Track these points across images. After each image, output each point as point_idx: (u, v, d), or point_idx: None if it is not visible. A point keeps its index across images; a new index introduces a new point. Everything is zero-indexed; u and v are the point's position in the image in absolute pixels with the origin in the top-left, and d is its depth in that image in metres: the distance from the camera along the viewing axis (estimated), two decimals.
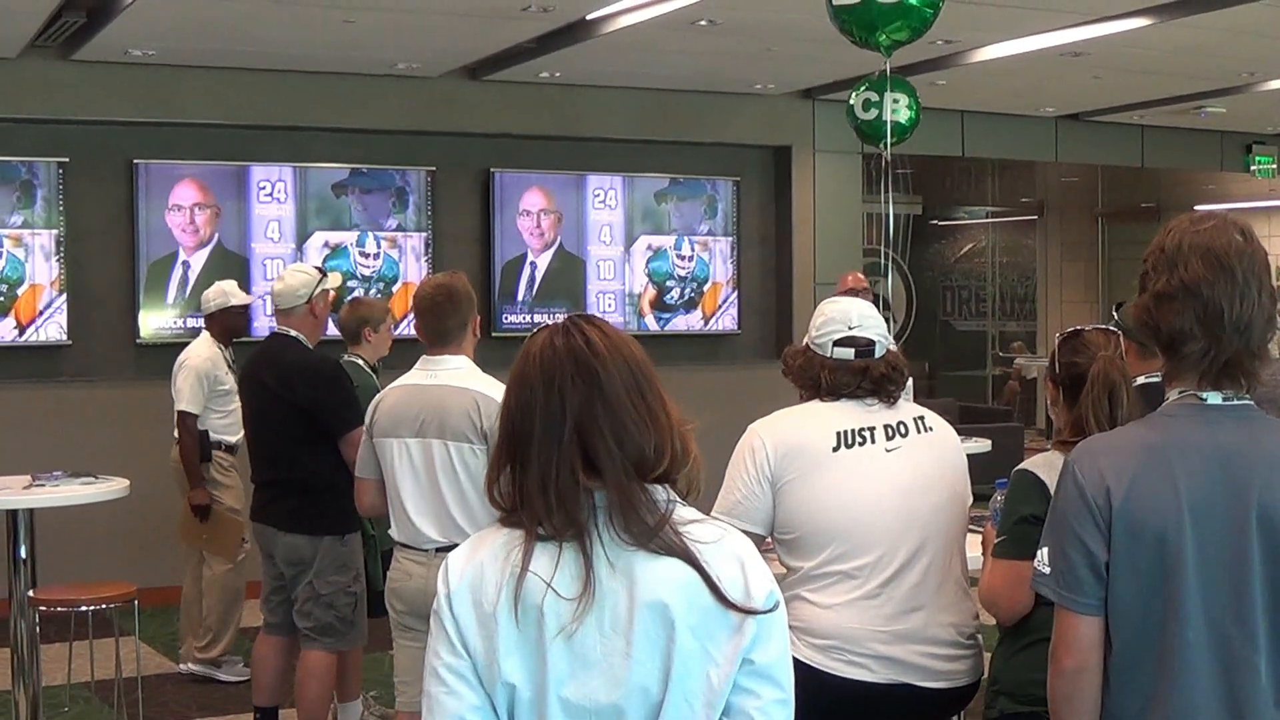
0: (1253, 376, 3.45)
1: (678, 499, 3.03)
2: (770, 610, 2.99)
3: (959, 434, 10.70)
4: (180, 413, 9.28)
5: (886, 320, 15.63)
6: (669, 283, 13.73)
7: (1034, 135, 15.76)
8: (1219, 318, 3.39)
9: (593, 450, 2.96)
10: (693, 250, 13.80)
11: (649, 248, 13.64)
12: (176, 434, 9.38)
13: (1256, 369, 3.45)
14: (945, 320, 22.63)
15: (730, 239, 13.94)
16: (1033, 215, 22.27)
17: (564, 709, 2.93)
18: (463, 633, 2.97)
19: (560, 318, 3.13)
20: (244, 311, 9.78)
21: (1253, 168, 17.24)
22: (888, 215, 8.53)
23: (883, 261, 8.71)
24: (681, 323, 13.78)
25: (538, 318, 12.52)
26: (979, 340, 22.61)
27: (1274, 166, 17.28)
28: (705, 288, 13.88)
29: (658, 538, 2.94)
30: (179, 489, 9.34)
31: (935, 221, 22.21)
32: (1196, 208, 21.09)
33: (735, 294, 13.94)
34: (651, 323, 13.60)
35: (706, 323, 13.87)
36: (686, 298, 13.80)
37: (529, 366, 3.03)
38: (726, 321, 13.93)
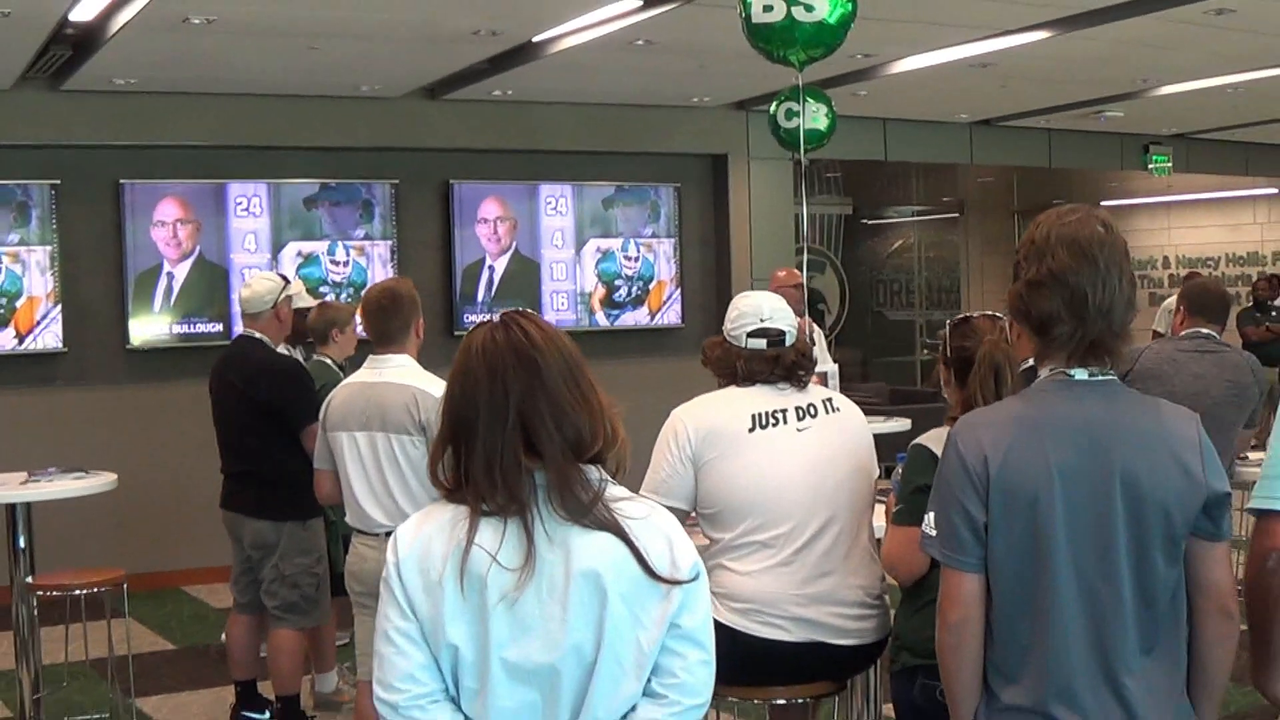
0: (1115, 355, 3.49)
1: (609, 478, 3.10)
2: (693, 580, 3.08)
3: (889, 415, 10.79)
4: None
5: (821, 313, 15.57)
6: (617, 282, 13.69)
7: (950, 140, 15.77)
8: (1084, 302, 3.43)
9: (534, 433, 3.01)
10: (638, 252, 13.77)
11: (598, 250, 13.59)
12: None
13: (1118, 348, 3.50)
14: (878, 311, 22.62)
15: (673, 240, 13.92)
16: (954, 214, 22.29)
17: (505, 669, 2.98)
18: (410, 598, 3.01)
19: (496, 315, 3.18)
20: (306, 313, 8.85)
21: (1150, 166, 17.27)
22: (802, 216, 8.51)
23: (804, 258, 8.69)
24: (630, 319, 13.75)
25: (497, 317, 12.45)
26: (908, 329, 22.62)
27: (1169, 165, 17.31)
28: (650, 286, 13.85)
29: (591, 514, 3.01)
30: None
31: (866, 221, 22.19)
32: (1103, 203, 21.31)
33: (678, 291, 13.92)
34: (602, 319, 13.57)
35: (652, 318, 13.84)
36: (634, 295, 13.77)
37: (472, 359, 3.09)
38: (671, 316, 13.89)
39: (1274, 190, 20.20)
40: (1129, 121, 15.76)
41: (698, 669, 3.10)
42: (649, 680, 3.06)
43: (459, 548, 2.98)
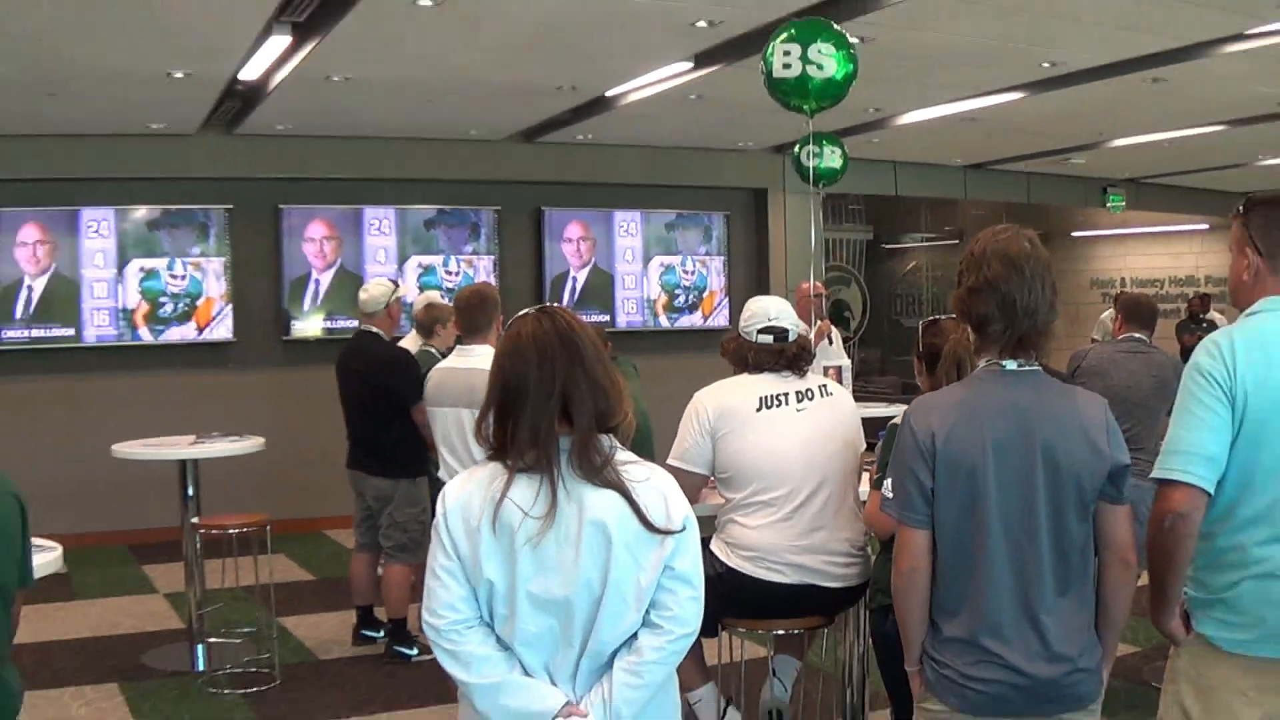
0: (1040, 349, 3.46)
1: (618, 445, 3.05)
2: (684, 530, 3.03)
3: (892, 402, 10.66)
4: None
5: (847, 319, 15.39)
6: (677, 291, 13.60)
7: (949, 179, 15.64)
8: (1013, 305, 3.40)
9: (572, 405, 2.98)
10: (694, 267, 13.67)
11: (661, 265, 13.51)
12: None
13: (1042, 343, 3.46)
14: (894, 319, 22.44)
15: (722, 258, 13.81)
16: (955, 240, 22.00)
17: (529, 600, 2.96)
18: (455, 542, 2.99)
19: (532, 309, 3.13)
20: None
21: (1108, 204, 17.21)
22: (812, 237, 8.42)
23: (812, 272, 8.58)
24: (686, 321, 13.65)
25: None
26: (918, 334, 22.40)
27: (1123, 204, 17.26)
28: (704, 295, 13.74)
29: (602, 474, 2.98)
30: None
31: (884, 245, 22.01)
32: (1073, 234, 21.09)
33: (726, 299, 13.79)
34: (664, 321, 13.50)
35: (705, 321, 13.71)
36: (690, 302, 13.68)
37: (523, 344, 3.03)
38: (720, 320, 13.74)
39: (1207, 225, 20.07)
40: (1090, 167, 15.65)
41: (688, 604, 3.04)
42: (648, 613, 3.02)
43: (493, 500, 2.95)
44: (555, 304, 3.19)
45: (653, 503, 2.99)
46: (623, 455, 3.04)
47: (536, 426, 2.96)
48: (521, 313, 3.13)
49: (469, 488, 3.02)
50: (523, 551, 2.93)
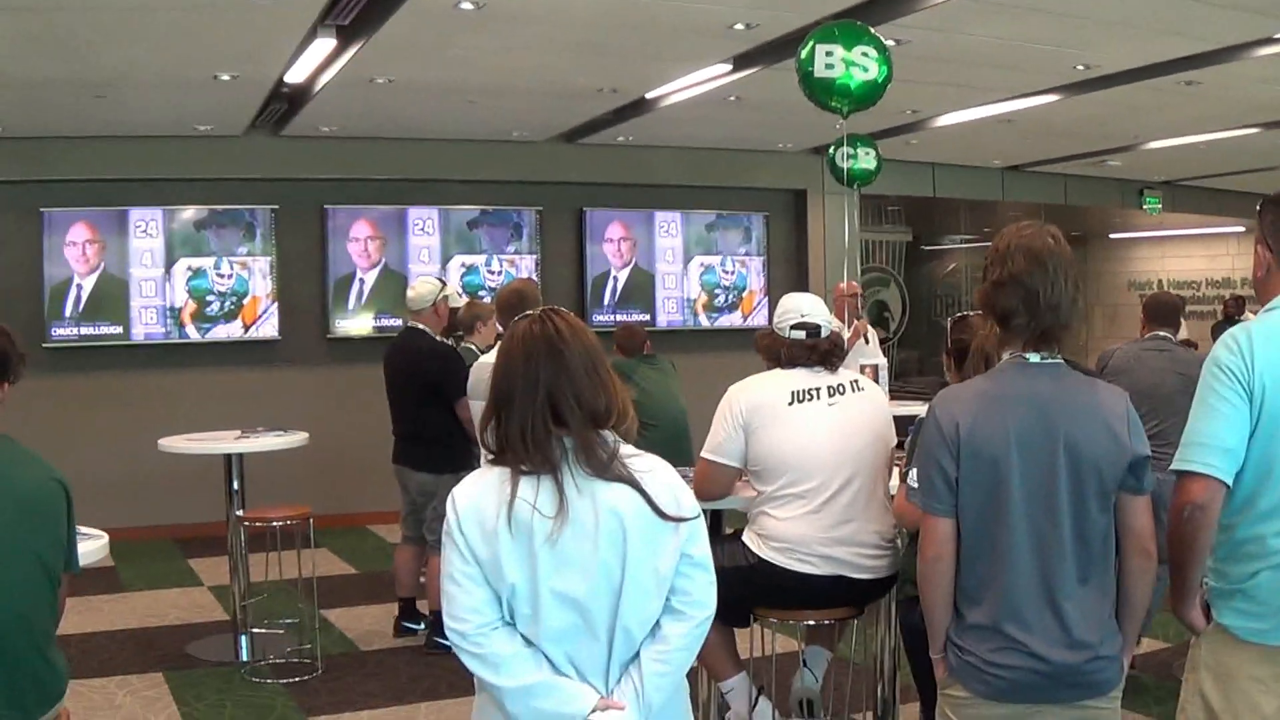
0: (1061, 342, 3.50)
1: (621, 440, 3.09)
2: (696, 517, 3.10)
3: (927, 400, 10.66)
4: None
5: (887, 320, 15.43)
6: (716, 291, 13.64)
7: (986, 181, 15.60)
8: (1036, 299, 3.43)
9: (559, 407, 3.01)
10: (734, 267, 13.71)
11: (701, 265, 13.54)
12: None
13: (1065, 337, 3.49)
14: (935, 320, 22.36)
15: (762, 258, 13.84)
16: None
17: (552, 596, 2.98)
18: (471, 546, 3.01)
19: (538, 310, 3.18)
20: (457, 310, 8.67)
21: (1145, 206, 17.17)
22: (845, 238, 8.48)
23: (845, 274, 8.62)
24: (726, 321, 13.68)
25: (619, 317, 12.53)
26: None
27: (1159, 206, 17.23)
28: (743, 294, 13.78)
29: (610, 469, 3.02)
30: None
31: (924, 247, 21.95)
32: (1111, 235, 21.01)
33: (766, 299, 13.79)
34: (704, 321, 13.54)
35: (745, 320, 13.72)
36: (730, 302, 13.72)
37: (513, 346, 3.09)
38: (760, 319, 13.70)
39: (1243, 228, 20.00)
40: (1126, 169, 15.60)
41: (706, 589, 3.10)
42: (669, 600, 3.06)
43: (506, 501, 2.97)
44: (556, 307, 3.20)
45: (660, 493, 3.04)
46: (625, 449, 3.08)
47: (524, 427, 2.99)
48: (519, 316, 3.18)
49: (479, 491, 3.04)
50: (542, 550, 2.95)
